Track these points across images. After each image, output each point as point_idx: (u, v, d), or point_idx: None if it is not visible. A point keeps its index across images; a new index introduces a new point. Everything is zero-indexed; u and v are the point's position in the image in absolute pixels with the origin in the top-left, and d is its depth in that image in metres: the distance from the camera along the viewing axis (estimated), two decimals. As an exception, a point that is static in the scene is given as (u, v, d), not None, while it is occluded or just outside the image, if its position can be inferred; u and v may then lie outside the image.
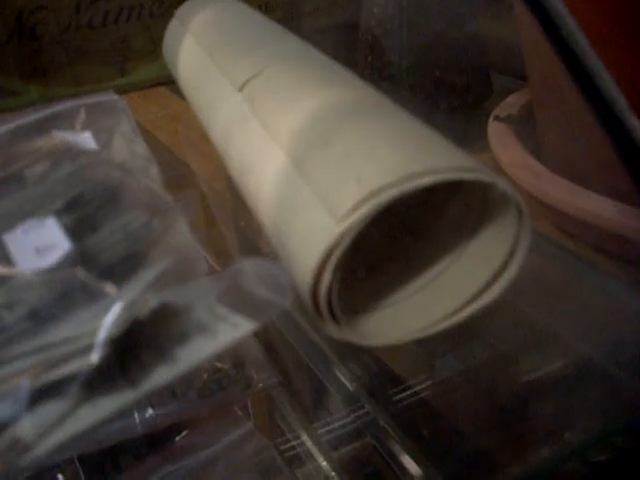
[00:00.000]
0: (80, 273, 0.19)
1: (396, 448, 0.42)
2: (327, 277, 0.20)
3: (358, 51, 0.65)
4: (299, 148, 0.24)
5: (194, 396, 0.37)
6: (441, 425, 0.42)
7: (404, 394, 0.43)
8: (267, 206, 0.24)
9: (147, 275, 0.20)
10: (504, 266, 0.23)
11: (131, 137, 0.29)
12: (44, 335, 0.18)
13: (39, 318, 0.19)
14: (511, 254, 0.23)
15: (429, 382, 0.42)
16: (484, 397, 0.39)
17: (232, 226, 0.53)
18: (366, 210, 0.20)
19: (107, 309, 0.18)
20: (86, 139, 0.27)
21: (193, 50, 0.36)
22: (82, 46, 0.56)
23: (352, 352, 0.46)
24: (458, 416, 0.41)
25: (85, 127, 0.30)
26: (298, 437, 0.49)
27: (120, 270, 0.20)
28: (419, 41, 0.61)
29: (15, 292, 0.19)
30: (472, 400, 0.40)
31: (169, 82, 0.44)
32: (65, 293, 0.19)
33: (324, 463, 0.47)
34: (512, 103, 0.55)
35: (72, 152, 0.26)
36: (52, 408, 0.18)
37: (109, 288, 0.19)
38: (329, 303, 0.21)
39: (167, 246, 0.21)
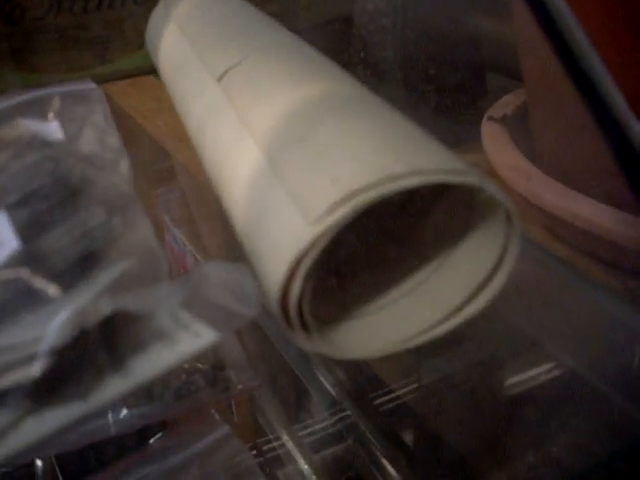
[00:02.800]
0: (25, 274, 0.17)
1: (376, 452, 0.41)
2: (298, 285, 0.19)
3: (351, 47, 0.64)
4: (274, 144, 0.22)
5: (171, 397, 0.36)
6: (422, 430, 0.41)
7: (386, 398, 0.42)
8: (238, 205, 0.23)
9: (102, 278, 0.18)
10: (491, 275, 0.22)
11: (103, 128, 0.27)
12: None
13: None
14: (499, 262, 0.22)
15: (411, 387, 0.41)
16: (466, 404, 0.38)
17: (218, 221, 0.52)
18: (342, 213, 0.18)
19: (53, 315, 0.16)
20: (53, 129, 0.26)
21: (174, 39, 0.34)
22: (62, 32, 0.54)
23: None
24: (439, 422, 0.40)
25: (57, 116, 0.29)
26: (279, 438, 0.48)
27: (74, 272, 0.18)
28: (413, 38, 0.60)
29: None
30: (454, 407, 0.39)
31: (152, 72, 0.42)
32: (8, 296, 0.17)
33: (305, 466, 0.46)
34: (507, 103, 0.54)
35: (36, 142, 0.24)
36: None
37: (54, 292, 0.17)
38: (300, 313, 0.19)
39: (127, 246, 0.19)
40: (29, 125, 0.26)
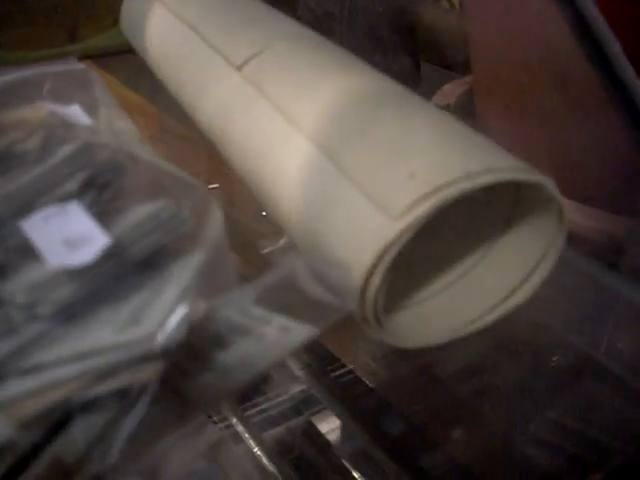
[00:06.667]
0: (120, 269, 0.17)
1: (331, 420, 0.41)
2: (379, 277, 0.19)
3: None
4: (329, 136, 0.22)
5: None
6: (376, 400, 0.42)
7: (341, 371, 0.42)
8: (293, 199, 0.22)
9: (183, 273, 0.18)
10: (536, 266, 0.23)
11: (117, 112, 0.26)
12: (78, 340, 0.16)
13: (71, 319, 0.16)
14: (544, 255, 0.23)
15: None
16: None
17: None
18: (425, 209, 0.19)
19: (160, 312, 0.16)
20: (76, 112, 0.24)
21: (168, 22, 0.33)
22: (29, 7, 0.51)
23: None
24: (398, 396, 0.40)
25: (54, 98, 0.27)
26: (226, 419, 0.48)
27: (147, 265, 0.18)
28: (359, 24, 0.61)
29: (42, 289, 0.17)
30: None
31: (125, 52, 0.40)
32: (103, 291, 0.16)
33: (255, 449, 0.46)
34: (449, 92, 0.55)
35: (66, 127, 0.23)
36: (94, 423, 0.16)
37: (171, 291, 0.17)
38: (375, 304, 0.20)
39: (197, 240, 0.19)
40: (53, 108, 0.24)
